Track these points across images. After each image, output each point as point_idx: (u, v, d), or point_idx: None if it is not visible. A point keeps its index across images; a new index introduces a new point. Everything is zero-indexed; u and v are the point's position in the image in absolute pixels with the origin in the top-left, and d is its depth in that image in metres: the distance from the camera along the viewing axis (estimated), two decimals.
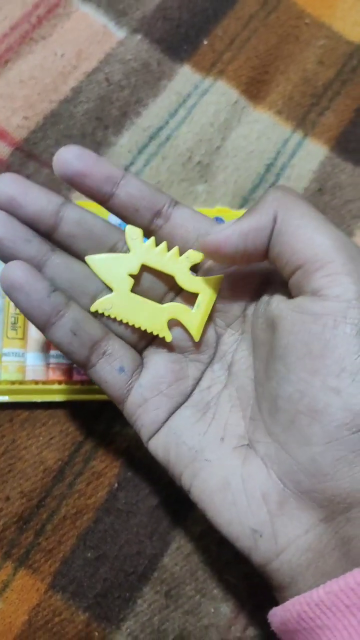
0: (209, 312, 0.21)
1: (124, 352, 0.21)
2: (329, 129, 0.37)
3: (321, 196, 0.35)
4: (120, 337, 0.22)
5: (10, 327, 0.29)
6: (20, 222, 0.20)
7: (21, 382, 0.29)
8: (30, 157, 0.34)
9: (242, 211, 0.33)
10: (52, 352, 0.29)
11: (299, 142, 0.37)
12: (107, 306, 0.21)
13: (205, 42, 0.38)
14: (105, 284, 0.21)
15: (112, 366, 0.21)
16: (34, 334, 0.29)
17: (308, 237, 0.18)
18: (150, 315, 0.21)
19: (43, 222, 0.20)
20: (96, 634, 0.26)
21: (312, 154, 0.36)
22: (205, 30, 0.39)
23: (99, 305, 0.21)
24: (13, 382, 0.28)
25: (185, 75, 0.37)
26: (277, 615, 0.18)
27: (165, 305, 0.22)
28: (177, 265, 0.21)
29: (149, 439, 0.21)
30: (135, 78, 0.37)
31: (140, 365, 0.22)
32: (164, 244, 0.21)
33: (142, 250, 0.21)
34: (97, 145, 0.35)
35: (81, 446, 0.29)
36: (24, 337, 0.29)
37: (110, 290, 0.21)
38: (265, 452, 0.19)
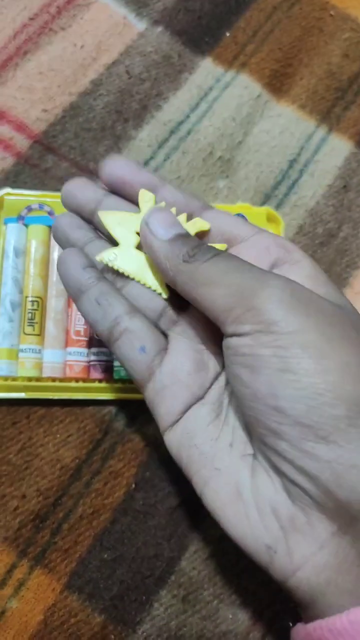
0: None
1: (147, 331, 0.21)
2: (355, 123, 0.36)
3: (346, 193, 0.35)
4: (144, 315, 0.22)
5: (27, 323, 0.29)
6: (76, 214, 0.23)
7: (38, 379, 0.28)
8: (49, 150, 0.33)
9: (264, 208, 0.32)
10: (70, 349, 0.29)
11: (323, 137, 0.36)
12: (111, 257, 0.22)
13: (228, 35, 0.38)
14: (114, 239, 0.23)
15: (133, 344, 0.21)
16: (52, 331, 0.29)
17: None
18: (152, 271, 0.22)
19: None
20: (112, 637, 0.26)
21: (337, 150, 0.36)
22: (227, 22, 0.38)
23: (103, 255, 0.22)
24: (30, 379, 0.28)
25: (206, 68, 0.37)
26: (299, 634, 0.18)
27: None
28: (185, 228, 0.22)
29: (165, 430, 0.21)
30: (156, 71, 0.36)
31: (163, 350, 0.21)
32: (173, 209, 0.22)
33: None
34: (117, 139, 0.34)
35: (99, 445, 0.28)
36: (41, 334, 0.29)
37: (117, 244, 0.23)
38: (265, 463, 0.19)
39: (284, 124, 0.36)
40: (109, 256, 0.22)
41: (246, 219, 0.23)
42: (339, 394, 0.16)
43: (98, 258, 0.22)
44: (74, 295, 0.22)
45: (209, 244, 0.21)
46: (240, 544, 0.19)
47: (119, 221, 0.22)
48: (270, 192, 0.34)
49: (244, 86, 0.36)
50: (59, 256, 0.23)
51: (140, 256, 0.22)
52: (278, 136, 0.36)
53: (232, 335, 0.18)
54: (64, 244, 0.24)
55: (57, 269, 0.23)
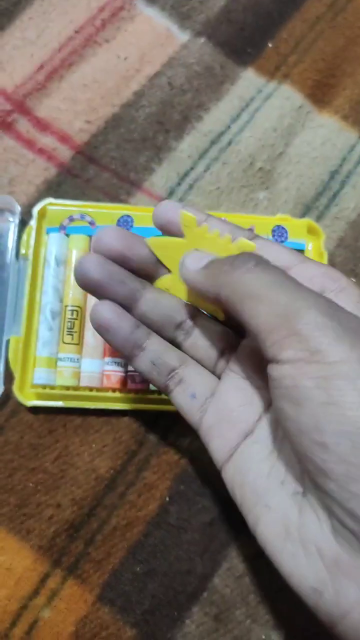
0: None
1: (199, 378, 0.22)
2: None
3: None
4: (199, 360, 0.23)
5: (66, 332, 0.29)
6: (114, 263, 0.22)
7: (76, 388, 0.28)
8: (91, 161, 0.34)
9: (304, 220, 0.32)
10: (107, 359, 0.29)
11: None
12: (167, 285, 0.23)
13: (270, 45, 0.37)
14: (163, 265, 0.23)
15: (185, 393, 0.22)
16: (90, 340, 0.29)
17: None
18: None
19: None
20: None
21: None
22: (270, 32, 0.38)
23: (160, 284, 0.23)
24: (68, 388, 0.28)
25: (248, 79, 0.36)
26: None
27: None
28: (228, 252, 0.21)
29: (221, 467, 0.21)
30: (198, 82, 0.36)
31: (214, 391, 0.22)
32: (216, 231, 0.22)
33: (195, 235, 0.22)
34: (157, 149, 0.34)
35: (134, 455, 0.28)
36: (79, 343, 0.29)
37: (169, 270, 0.23)
38: (315, 501, 0.18)
39: (326, 135, 0.35)
40: (165, 284, 0.23)
41: (291, 249, 0.23)
42: None
43: (156, 285, 0.23)
44: (126, 358, 0.23)
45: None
46: (289, 582, 0.18)
47: (167, 247, 0.23)
48: (311, 204, 0.34)
49: (286, 97, 0.36)
50: (99, 320, 0.22)
51: None
52: (319, 147, 0.35)
53: (272, 361, 0.18)
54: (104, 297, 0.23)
55: (101, 333, 0.22)
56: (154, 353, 0.22)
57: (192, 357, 0.23)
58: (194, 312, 0.23)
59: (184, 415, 0.22)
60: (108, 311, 0.22)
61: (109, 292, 0.22)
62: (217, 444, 0.21)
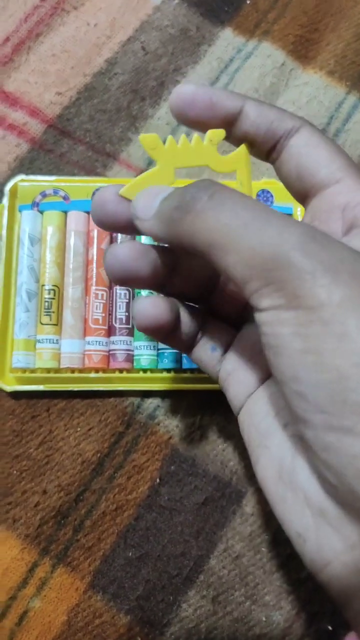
0: (250, 183, 0.20)
1: (218, 332, 0.21)
2: None
3: None
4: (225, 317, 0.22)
5: (44, 312, 0.27)
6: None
7: (57, 371, 0.27)
8: (64, 135, 0.32)
9: None
10: (88, 338, 0.27)
11: (354, 105, 0.33)
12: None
13: (248, 2, 0.35)
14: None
15: (206, 346, 0.21)
16: (69, 320, 0.28)
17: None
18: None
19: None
20: (139, 639, 0.24)
21: None
22: None
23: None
24: (48, 371, 0.27)
25: (226, 39, 0.35)
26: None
27: None
28: (206, 153, 0.20)
29: (238, 413, 0.21)
30: (173, 45, 0.34)
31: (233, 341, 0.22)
32: (183, 138, 0.19)
33: (167, 156, 0.19)
34: (133, 119, 0.33)
35: (121, 437, 0.27)
36: (58, 323, 0.28)
37: None
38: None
39: (312, 92, 0.33)
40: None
41: (344, 155, 0.19)
42: None
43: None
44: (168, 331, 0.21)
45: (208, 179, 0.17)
46: (282, 525, 0.17)
47: (140, 186, 0.19)
48: None
49: (267, 55, 0.34)
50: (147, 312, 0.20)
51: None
52: (305, 106, 0.33)
53: (255, 309, 0.16)
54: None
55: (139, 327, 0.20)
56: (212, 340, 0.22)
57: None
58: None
59: (204, 370, 0.22)
60: (149, 303, 0.20)
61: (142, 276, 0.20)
62: (234, 391, 0.20)
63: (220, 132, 0.19)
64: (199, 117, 0.19)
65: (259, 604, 0.25)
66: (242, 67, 0.34)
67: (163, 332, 0.20)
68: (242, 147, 0.20)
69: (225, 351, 0.21)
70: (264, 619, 0.25)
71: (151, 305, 0.20)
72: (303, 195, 0.19)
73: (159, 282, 0.20)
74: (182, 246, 0.17)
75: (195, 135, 0.19)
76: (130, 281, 0.20)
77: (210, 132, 0.19)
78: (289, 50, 0.34)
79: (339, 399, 0.14)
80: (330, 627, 0.24)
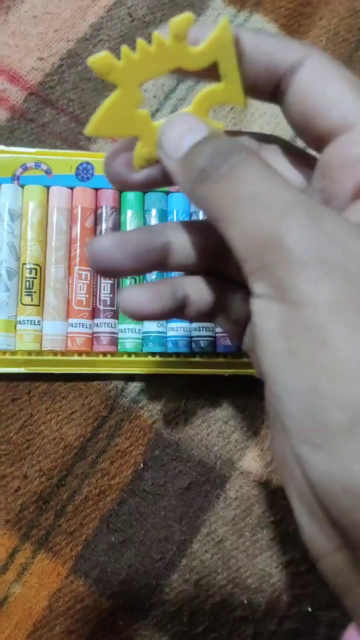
0: (238, 71, 0.16)
1: (240, 301, 0.19)
2: None
3: None
4: None
5: (25, 292, 0.26)
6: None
7: (38, 353, 0.26)
8: (46, 104, 0.30)
9: None
10: (71, 320, 0.27)
11: None
12: (147, 157, 0.17)
13: None
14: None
15: (224, 318, 0.20)
16: (52, 301, 0.27)
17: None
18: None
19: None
20: (121, 622, 0.24)
21: None
22: None
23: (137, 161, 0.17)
24: (30, 353, 0.26)
25: (217, 9, 0.33)
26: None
27: (194, 101, 0.17)
28: (173, 53, 0.16)
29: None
30: (161, 13, 0.33)
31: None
32: (140, 44, 0.16)
33: (126, 73, 0.16)
34: None
35: (104, 421, 0.27)
36: (40, 304, 0.27)
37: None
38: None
39: None
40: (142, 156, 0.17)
41: None
42: (340, 395, 0.12)
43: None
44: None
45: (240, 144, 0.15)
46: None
47: (117, 114, 0.17)
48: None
49: (258, 27, 0.33)
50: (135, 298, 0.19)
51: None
52: None
53: (251, 292, 0.15)
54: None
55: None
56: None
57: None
58: None
59: (229, 338, 0.21)
60: (139, 293, 0.18)
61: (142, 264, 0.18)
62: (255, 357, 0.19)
63: (185, 19, 0.15)
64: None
65: (241, 587, 0.25)
66: None
67: (157, 318, 0.20)
68: (222, 23, 0.16)
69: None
70: (245, 602, 0.25)
71: (135, 295, 0.18)
72: (316, 146, 0.16)
73: (145, 271, 0.19)
74: (198, 205, 0.16)
75: (155, 34, 0.16)
76: (113, 273, 0.19)
77: (171, 22, 0.15)
78: (280, 23, 0.33)
79: (310, 413, 0.13)
80: (309, 609, 0.25)
